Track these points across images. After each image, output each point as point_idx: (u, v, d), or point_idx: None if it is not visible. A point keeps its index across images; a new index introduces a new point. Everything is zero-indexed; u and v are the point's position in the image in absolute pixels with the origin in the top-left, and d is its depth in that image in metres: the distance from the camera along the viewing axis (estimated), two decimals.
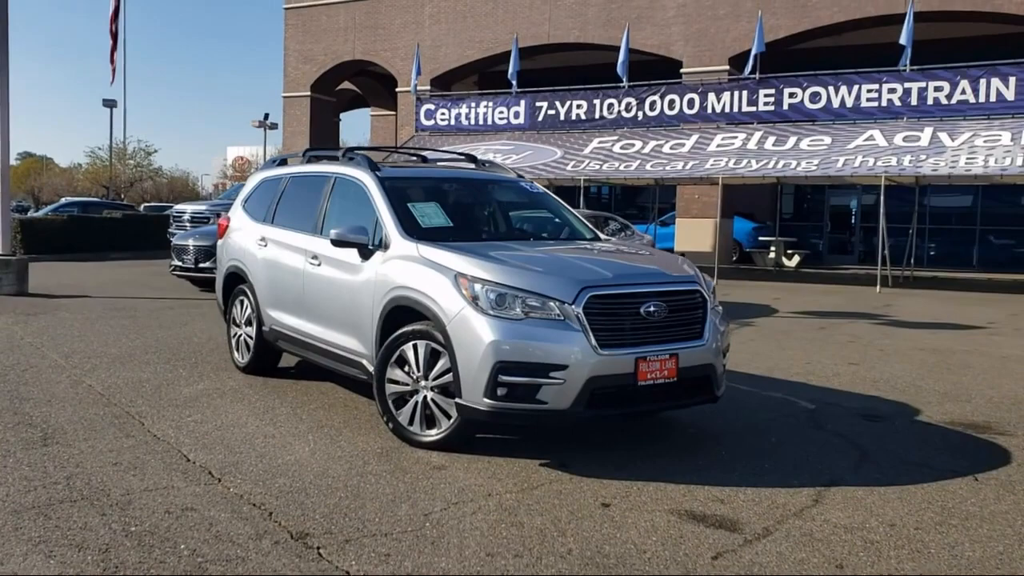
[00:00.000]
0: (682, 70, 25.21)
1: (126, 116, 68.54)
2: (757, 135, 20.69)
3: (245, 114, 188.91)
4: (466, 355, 5.08)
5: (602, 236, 6.91)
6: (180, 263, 15.26)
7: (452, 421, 5.33)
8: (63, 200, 37.42)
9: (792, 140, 20.02)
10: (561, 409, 4.97)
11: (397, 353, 5.57)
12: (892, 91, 19.74)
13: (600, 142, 22.53)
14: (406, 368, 5.55)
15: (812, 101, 20.73)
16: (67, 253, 22.93)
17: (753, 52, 21.17)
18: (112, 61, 40.82)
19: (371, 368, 5.91)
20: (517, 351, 4.95)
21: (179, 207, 22.71)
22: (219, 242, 8.52)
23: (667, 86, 22.70)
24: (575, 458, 5.33)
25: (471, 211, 6.92)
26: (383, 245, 5.95)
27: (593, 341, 4.95)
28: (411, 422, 5.52)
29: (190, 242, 15.24)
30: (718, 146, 20.72)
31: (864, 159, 18.38)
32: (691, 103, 22.17)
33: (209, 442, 5.61)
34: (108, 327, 10.66)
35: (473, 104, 25.36)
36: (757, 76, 21.48)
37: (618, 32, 24.47)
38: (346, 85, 35.76)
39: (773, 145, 20.05)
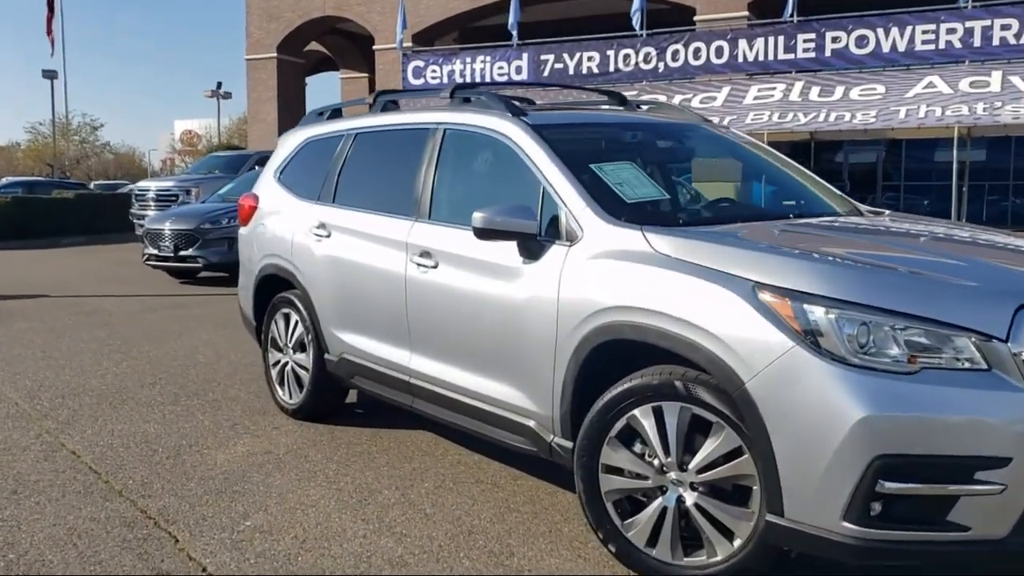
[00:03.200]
0: (696, 18, 22.86)
1: (67, 89, 64.46)
2: (798, 85, 18.52)
3: (193, 86, 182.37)
4: (797, 441, 2.78)
5: (864, 208, 4.58)
6: (155, 251, 12.70)
7: (739, 547, 3.03)
8: (4, 180, 34.13)
9: (840, 90, 17.89)
10: (995, 538, 2.68)
11: (621, 423, 3.25)
12: (951, 31, 17.62)
13: None
14: (638, 448, 3.24)
15: (859, 46, 18.53)
16: (12, 240, 20.07)
17: None
18: (49, 32, 37.56)
19: (552, 438, 3.60)
20: (913, 434, 2.65)
21: (142, 184, 20.00)
22: (242, 231, 6.06)
23: (691, 33, 20.40)
24: None
25: (668, 176, 4.55)
26: (565, 235, 3.61)
27: None
28: (652, 541, 3.23)
29: (166, 226, 12.67)
30: (755, 99, 18.52)
31: (929, 108, 16.30)
32: (719, 52, 19.87)
33: None
34: (80, 342, 8.14)
35: (469, 59, 22.78)
36: (795, 19, 19.21)
37: None
38: (312, 46, 32.90)
39: (819, 96, 17.93)
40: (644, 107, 5.22)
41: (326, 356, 5.12)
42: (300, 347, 5.37)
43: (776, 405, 2.82)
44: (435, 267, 4.18)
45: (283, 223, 5.47)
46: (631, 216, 3.58)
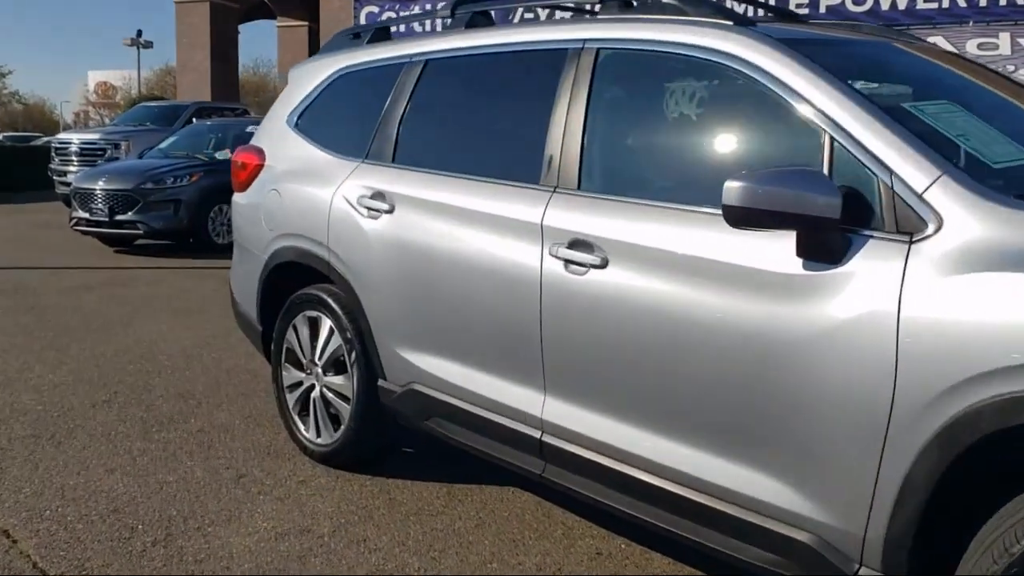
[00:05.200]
0: None
1: None
2: None
3: (108, 35, 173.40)
4: None
5: None
6: (86, 214, 10.74)
7: None
8: None
9: None
10: None
11: None
12: None
13: None
14: None
15: (856, 3, 17.21)
16: None
17: None
18: None
19: (857, 570, 2.10)
20: None
21: (62, 136, 17.70)
22: (238, 198, 4.39)
23: None
24: None
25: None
26: (895, 223, 2.08)
27: None
28: None
29: (99, 185, 10.73)
30: None
31: None
32: None
33: None
34: (1, 334, 6.33)
35: (435, 2, 20.80)
36: None
37: None
38: None
39: None
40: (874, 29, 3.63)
41: (381, 383, 3.53)
42: (336, 367, 3.76)
43: None
44: (601, 266, 2.62)
45: (310, 189, 3.82)
46: (1009, 191, 2.07)
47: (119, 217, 10.53)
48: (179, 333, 6.49)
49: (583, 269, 2.67)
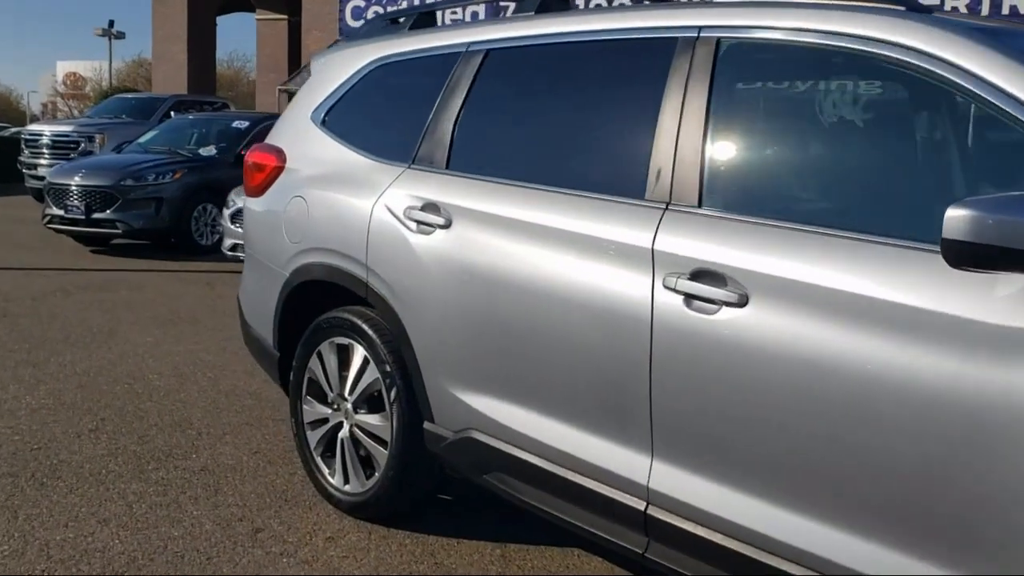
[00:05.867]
0: None
1: None
2: None
3: (78, 24, 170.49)
4: None
5: None
6: (61, 211, 10.09)
7: None
8: None
9: None
10: None
11: None
12: None
13: None
14: None
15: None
16: None
17: None
18: None
19: None
20: None
21: (33, 128, 16.95)
22: (252, 204, 3.84)
23: None
24: None
25: None
26: None
27: None
28: None
29: (75, 181, 10.08)
30: None
31: None
32: None
33: None
34: None
35: None
36: None
37: None
38: None
39: None
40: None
41: (428, 427, 3.01)
42: (370, 403, 3.24)
43: None
44: (739, 305, 2.11)
45: (344, 198, 3.29)
46: None
47: (97, 215, 9.89)
48: (168, 347, 5.91)
49: (712, 307, 2.16)
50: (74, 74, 75.37)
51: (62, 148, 15.11)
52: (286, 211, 3.53)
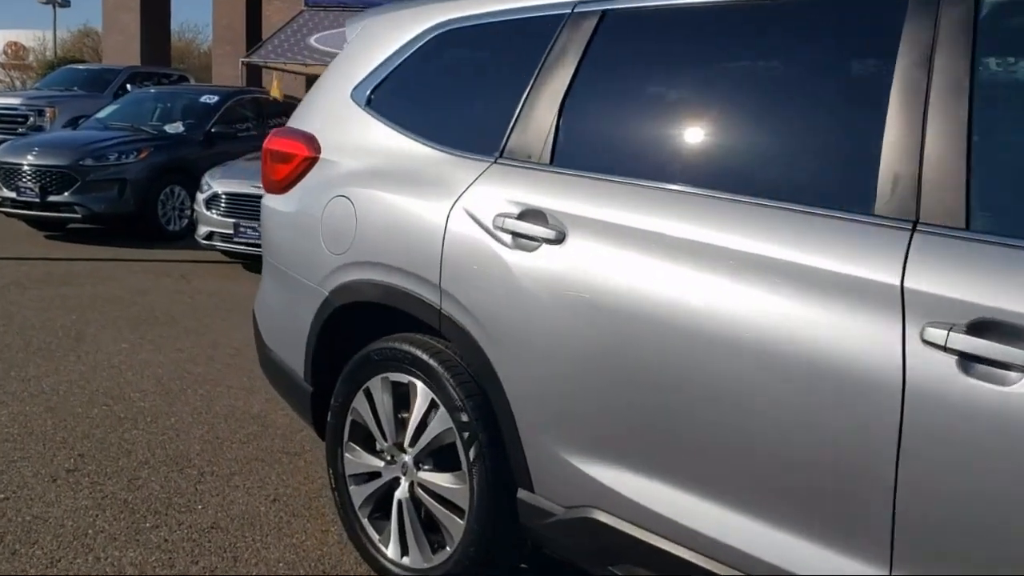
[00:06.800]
0: None
1: None
2: None
3: None
4: None
5: None
6: (12, 194, 9.18)
7: None
8: None
9: None
10: None
11: None
12: None
13: None
14: None
15: None
16: None
17: None
18: None
19: None
20: None
21: None
22: (274, 202, 3.12)
23: None
24: None
25: None
26: None
27: None
28: None
29: (28, 160, 9.16)
30: None
31: None
32: None
33: None
34: None
35: None
36: None
37: None
38: None
39: None
40: None
41: (524, 496, 2.34)
42: (437, 459, 2.56)
43: None
44: None
45: (407, 200, 2.59)
46: None
47: (53, 198, 8.99)
48: (147, 355, 5.16)
49: (1009, 375, 1.51)
50: (15, 44, 72.48)
51: (8, 122, 14.03)
52: (324, 214, 2.82)
